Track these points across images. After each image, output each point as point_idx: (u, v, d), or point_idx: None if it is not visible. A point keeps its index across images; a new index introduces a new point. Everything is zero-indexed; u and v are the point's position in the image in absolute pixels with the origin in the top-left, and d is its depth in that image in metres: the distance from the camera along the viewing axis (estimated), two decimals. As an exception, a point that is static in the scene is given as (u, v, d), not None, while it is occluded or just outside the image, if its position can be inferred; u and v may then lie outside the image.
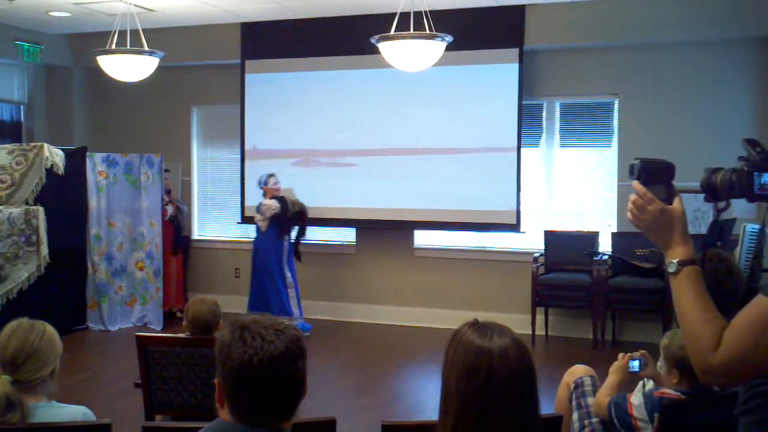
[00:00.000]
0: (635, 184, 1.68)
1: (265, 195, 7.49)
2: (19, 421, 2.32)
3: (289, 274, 7.44)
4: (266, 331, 1.64)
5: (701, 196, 1.72)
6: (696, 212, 7.05)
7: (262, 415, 1.65)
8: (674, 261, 1.64)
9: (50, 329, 2.52)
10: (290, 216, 7.46)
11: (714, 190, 1.69)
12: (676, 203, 1.67)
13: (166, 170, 8.48)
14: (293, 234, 7.58)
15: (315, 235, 8.42)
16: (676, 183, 1.70)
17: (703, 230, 6.83)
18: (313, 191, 8.08)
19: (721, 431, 2.12)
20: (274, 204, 7.37)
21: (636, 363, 2.89)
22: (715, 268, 2.44)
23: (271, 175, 7.56)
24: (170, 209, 8.36)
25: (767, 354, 1.53)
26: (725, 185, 1.66)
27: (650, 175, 1.68)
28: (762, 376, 1.62)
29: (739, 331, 1.54)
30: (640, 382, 2.85)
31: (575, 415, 2.96)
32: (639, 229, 1.70)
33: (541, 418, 1.71)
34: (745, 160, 1.67)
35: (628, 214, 1.70)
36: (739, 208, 1.71)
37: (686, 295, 1.62)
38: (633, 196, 1.68)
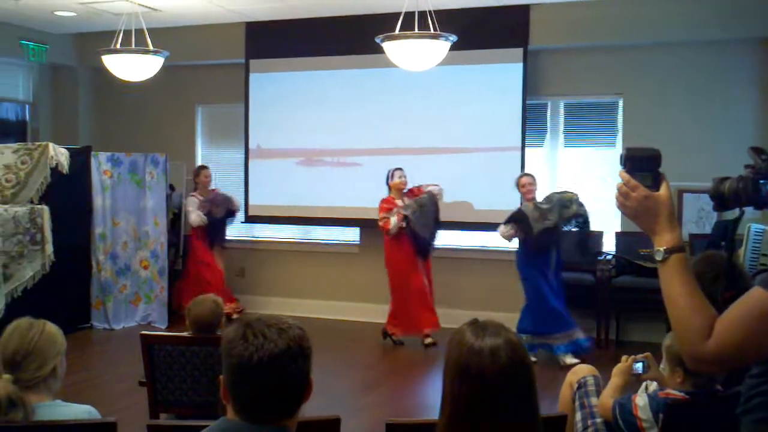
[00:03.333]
0: (621, 172, 1.72)
1: (524, 201, 6.60)
2: (23, 420, 2.32)
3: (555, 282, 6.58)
4: (269, 329, 1.65)
5: (704, 196, 1.74)
6: (700, 212, 7.03)
7: (263, 412, 1.66)
8: (661, 249, 1.66)
9: (50, 327, 2.51)
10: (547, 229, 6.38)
11: (722, 199, 1.71)
12: (662, 189, 1.68)
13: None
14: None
15: (318, 234, 8.43)
16: (684, 183, 1.73)
17: (708, 230, 6.82)
18: (316, 191, 8.11)
19: (725, 430, 2.12)
20: (508, 234, 6.43)
21: (639, 365, 2.89)
22: (702, 271, 2.41)
23: (525, 175, 6.62)
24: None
25: (760, 345, 1.56)
26: (732, 193, 1.67)
27: (635, 163, 1.71)
28: (761, 375, 1.63)
29: (733, 321, 1.56)
30: (643, 384, 2.85)
31: (578, 415, 2.96)
32: (626, 215, 1.73)
33: (540, 418, 1.71)
34: (751, 167, 1.68)
35: (616, 202, 1.73)
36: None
37: (675, 283, 1.63)
38: (619, 184, 1.71)
